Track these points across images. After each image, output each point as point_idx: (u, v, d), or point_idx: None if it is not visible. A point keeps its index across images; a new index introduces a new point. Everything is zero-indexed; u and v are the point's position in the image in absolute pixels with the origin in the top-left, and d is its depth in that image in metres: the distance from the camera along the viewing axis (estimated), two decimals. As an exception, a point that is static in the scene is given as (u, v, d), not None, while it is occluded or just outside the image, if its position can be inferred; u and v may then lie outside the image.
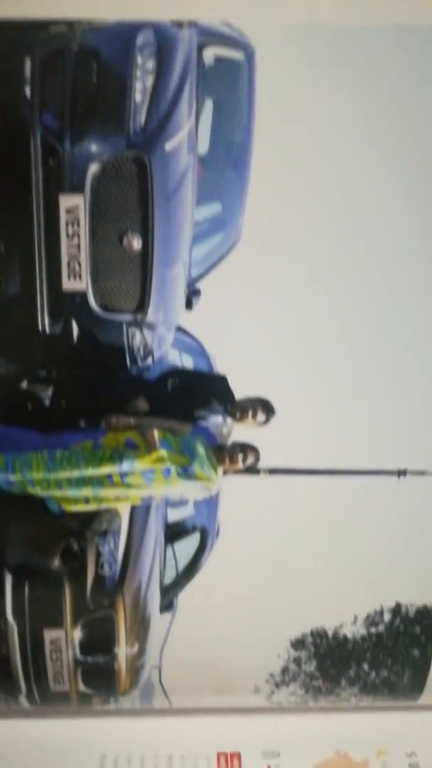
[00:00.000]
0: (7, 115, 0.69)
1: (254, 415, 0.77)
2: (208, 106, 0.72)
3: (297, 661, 0.83)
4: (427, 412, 0.78)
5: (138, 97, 0.70)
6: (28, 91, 0.68)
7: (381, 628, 0.82)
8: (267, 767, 0.82)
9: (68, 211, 0.70)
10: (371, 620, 0.82)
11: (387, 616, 0.82)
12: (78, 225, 0.71)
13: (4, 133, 0.69)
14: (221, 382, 0.76)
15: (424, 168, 0.73)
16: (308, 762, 0.83)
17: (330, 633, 0.82)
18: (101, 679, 0.82)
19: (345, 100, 0.71)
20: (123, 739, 0.85)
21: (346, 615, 0.82)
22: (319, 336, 0.77)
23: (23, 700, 0.83)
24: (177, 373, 0.77)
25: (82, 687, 0.82)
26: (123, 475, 0.76)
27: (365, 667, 0.84)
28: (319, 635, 0.82)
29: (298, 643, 0.82)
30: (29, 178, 0.70)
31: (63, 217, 0.70)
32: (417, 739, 0.86)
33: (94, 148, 0.70)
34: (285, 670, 0.83)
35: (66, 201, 0.70)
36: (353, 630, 0.83)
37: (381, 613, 0.82)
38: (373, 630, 0.83)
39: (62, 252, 0.71)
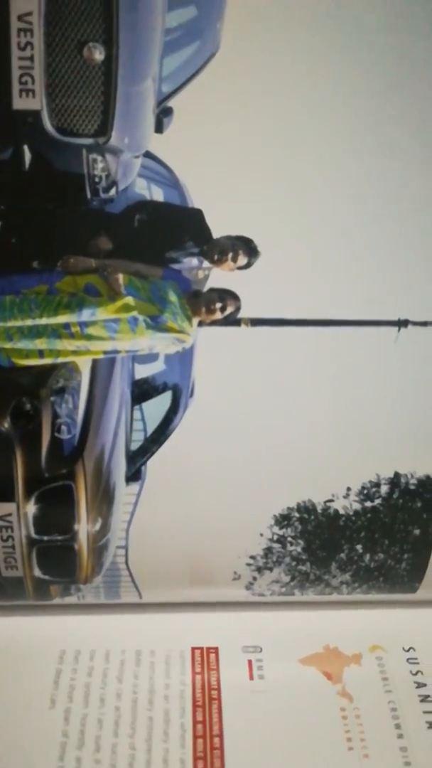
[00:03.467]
0: None
1: (235, 257, 0.69)
2: None
3: (281, 540, 0.75)
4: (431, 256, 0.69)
5: None
6: None
7: (377, 502, 0.74)
8: (247, 662, 0.75)
9: (20, 17, 0.63)
10: (366, 493, 0.74)
11: (384, 489, 0.74)
12: (31, 33, 0.64)
13: None
14: (196, 217, 0.69)
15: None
16: (293, 657, 0.76)
17: (319, 508, 0.74)
18: (60, 563, 0.74)
19: None
20: (85, 634, 0.78)
21: (337, 487, 0.74)
22: (311, 162, 0.68)
23: (-29, 587, 0.74)
24: (145, 206, 0.69)
25: (37, 572, 0.74)
26: (83, 324, 0.68)
27: (358, 548, 0.76)
28: (306, 510, 0.74)
29: (283, 520, 0.74)
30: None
31: (14, 24, 0.63)
32: (416, 635, 0.80)
33: None
34: (268, 552, 0.75)
35: (18, 6, 0.63)
36: (345, 504, 0.74)
37: (377, 484, 0.74)
38: (368, 504, 0.75)
39: (13, 65, 0.64)
